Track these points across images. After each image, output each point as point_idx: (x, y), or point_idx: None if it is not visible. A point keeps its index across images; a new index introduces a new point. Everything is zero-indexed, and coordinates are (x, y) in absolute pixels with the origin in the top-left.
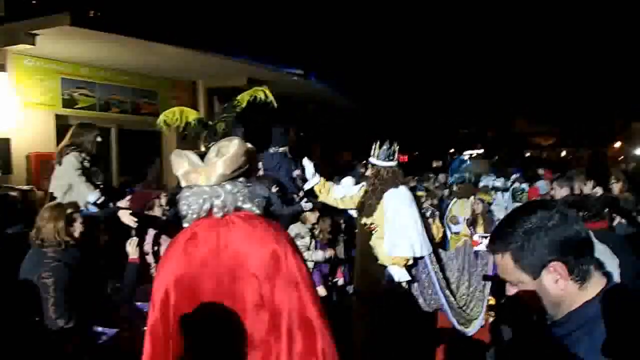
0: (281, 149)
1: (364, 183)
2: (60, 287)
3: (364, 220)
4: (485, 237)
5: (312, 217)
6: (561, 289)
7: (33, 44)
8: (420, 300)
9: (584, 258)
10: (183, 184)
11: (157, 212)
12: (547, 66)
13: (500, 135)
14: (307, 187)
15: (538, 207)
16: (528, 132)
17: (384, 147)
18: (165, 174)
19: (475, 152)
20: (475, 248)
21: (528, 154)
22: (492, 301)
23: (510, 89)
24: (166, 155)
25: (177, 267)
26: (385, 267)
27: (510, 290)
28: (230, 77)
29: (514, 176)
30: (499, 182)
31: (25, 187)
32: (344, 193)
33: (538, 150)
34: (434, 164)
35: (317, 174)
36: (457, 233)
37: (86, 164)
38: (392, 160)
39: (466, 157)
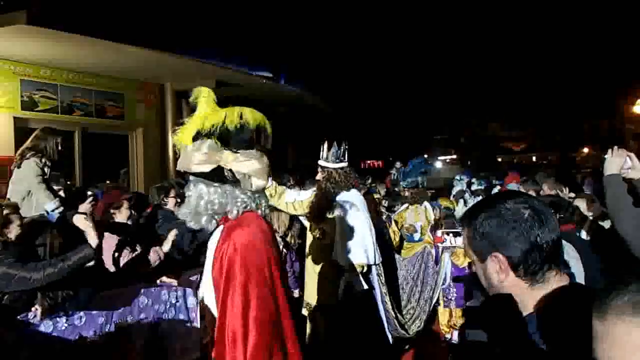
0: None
1: (314, 190)
2: None
3: (315, 225)
4: (449, 234)
5: (285, 222)
6: (500, 281)
7: None
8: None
9: (540, 261)
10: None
11: (123, 215)
12: (520, 68)
13: (473, 139)
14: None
15: (515, 198)
16: (500, 137)
17: (333, 148)
18: (132, 178)
19: (449, 158)
20: (439, 244)
21: (499, 159)
22: (459, 312)
23: (483, 92)
24: (133, 159)
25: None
26: (340, 275)
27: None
28: (199, 79)
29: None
30: (475, 185)
31: None
32: (294, 197)
33: (510, 155)
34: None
35: (270, 177)
36: (418, 241)
37: (46, 169)
38: (342, 161)
39: (418, 161)
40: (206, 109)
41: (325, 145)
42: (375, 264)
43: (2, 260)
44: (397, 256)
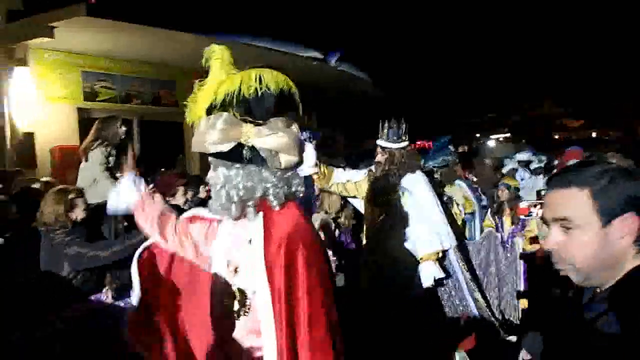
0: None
1: (370, 168)
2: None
3: (373, 211)
4: (536, 205)
5: (336, 204)
6: (622, 247)
7: (52, 37)
8: (447, 308)
9: None
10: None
11: (179, 200)
12: (572, 45)
13: (526, 117)
14: (303, 173)
15: (601, 162)
16: (555, 114)
17: (394, 126)
18: (188, 164)
19: (501, 137)
20: (522, 217)
21: (556, 137)
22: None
23: (535, 70)
24: (188, 146)
25: None
26: (402, 265)
27: (550, 242)
28: (249, 64)
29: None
30: (535, 163)
31: (46, 179)
32: (346, 177)
33: (566, 132)
34: (460, 149)
35: (316, 161)
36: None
37: (111, 158)
38: (404, 140)
39: (445, 140)
40: (219, 74)
41: (386, 124)
42: (451, 248)
43: (73, 240)
44: (465, 241)
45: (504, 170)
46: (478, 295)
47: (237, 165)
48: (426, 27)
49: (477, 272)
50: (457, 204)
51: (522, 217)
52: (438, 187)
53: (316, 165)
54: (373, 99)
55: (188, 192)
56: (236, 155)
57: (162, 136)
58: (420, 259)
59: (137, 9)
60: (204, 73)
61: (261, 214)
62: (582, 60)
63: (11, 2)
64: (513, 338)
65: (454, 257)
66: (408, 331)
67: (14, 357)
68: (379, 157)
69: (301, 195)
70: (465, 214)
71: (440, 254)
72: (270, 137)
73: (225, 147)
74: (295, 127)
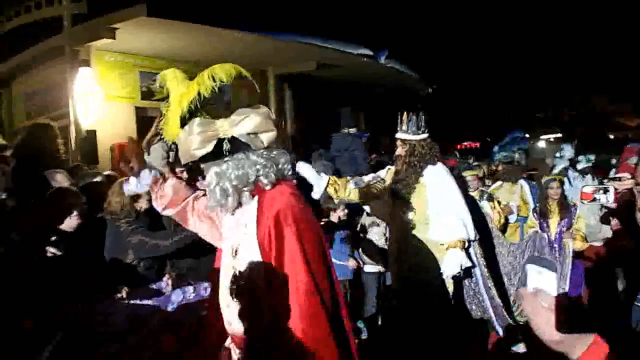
0: (351, 130)
1: (389, 167)
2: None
3: (397, 205)
4: (599, 190)
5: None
6: None
7: (113, 38)
8: (474, 305)
9: None
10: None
11: None
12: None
13: (579, 115)
14: (317, 194)
15: None
16: (610, 112)
17: (413, 118)
18: None
19: (552, 137)
20: (587, 202)
21: (611, 136)
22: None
23: (589, 66)
24: None
25: None
26: (432, 261)
27: None
28: (299, 62)
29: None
30: (582, 163)
31: (109, 172)
32: (370, 179)
33: (623, 131)
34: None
35: (322, 173)
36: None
37: (171, 153)
38: (424, 132)
39: (516, 135)
40: (178, 90)
41: (405, 116)
42: (474, 241)
43: (137, 229)
44: (501, 239)
45: (555, 171)
46: (494, 294)
47: (225, 159)
48: (477, 25)
49: (516, 272)
50: (499, 202)
51: (576, 205)
52: (480, 181)
53: (330, 181)
54: (422, 98)
55: None
56: (221, 150)
57: None
58: (447, 247)
59: (195, 9)
60: (252, 71)
61: (256, 197)
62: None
63: (76, 6)
64: (520, 348)
65: (473, 252)
66: (436, 327)
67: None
68: (399, 150)
69: (290, 173)
70: (518, 216)
71: (466, 244)
72: (244, 122)
73: (209, 147)
74: (263, 107)
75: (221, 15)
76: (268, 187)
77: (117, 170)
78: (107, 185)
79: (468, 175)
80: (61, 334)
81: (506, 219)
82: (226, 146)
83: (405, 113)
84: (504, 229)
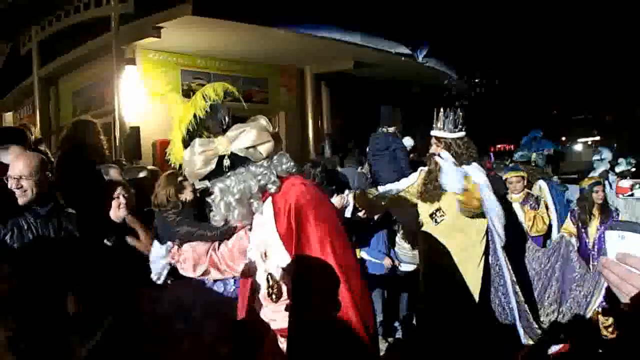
0: (391, 129)
1: (421, 168)
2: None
3: (427, 209)
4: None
5: None
6: None
7: (159, 37)
8: (499, 309)
9: None
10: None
11: None
12: None
13: (620, 119)
14: (347, 213)
15: None
16: None
17: (450, 115)
18: None
19: (590, 140)
20: (623, 197)
21: None
22: (606, 322)
23: (628, 66)
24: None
25: None
26: (459, 264)
27: None
28: (337, 60)
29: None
30: (622, 166)
31: (152, 167)
32: (401, 186)
33: None
34: (546, 152)
35: (346, 190)
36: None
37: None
38: (461, 130)
39: (534, 135)
40: (177, 115)
41: (441, 113)
42: (501, 244)
43: (183, 220)
44: (530, 244)
45: (595, 174)
46: (522, 300)
47: (228, 174)
48: (518, 25)
49: (540, 278)
50: (544, 207)
51: (618, 210)
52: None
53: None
54: (460, 97)
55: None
56: (222, 167)
57: None
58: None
59: (239, 7)
60: (291, 70)
61: (269, 199)
62: None
63: (124, 6)
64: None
65: (501, 256)
66: (465, 332)
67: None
68: (434, 148)
69: (294, 170)
70: None
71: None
72: (240, 137)
73: (212, 165)
74: (262, 120)
75: (263, 13)
76: (273, 190)
77: (160, 166)
78: (151, 180)
79: (512, 176)
80: (111, 318)
81: (550, 226)
82: (226, 162)
83: (441, 109)
84: (546, 234)
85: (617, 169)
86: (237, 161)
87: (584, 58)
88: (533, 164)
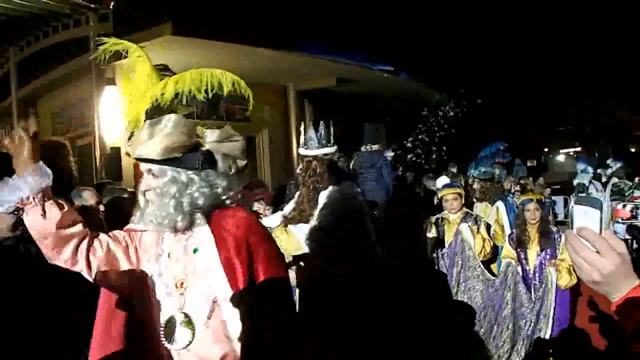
0: (375, 147)
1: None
2: None
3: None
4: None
5: None
6: None
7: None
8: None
9: None
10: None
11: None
12: None
13: (599, 128)
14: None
15: None
16: (632, 123)
17: (318, 129)
18: (260, 176)
19: (572, 150)
20: (623, 221)
21: (632, 150)
22: None
23: (607, 77)
24: (260, 158)
25: None
26: None
27: None
28: (320, 77)
29: (612, 167)
30: (603, 176)
31: (132, 189)
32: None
33: None
34: (528, 164)
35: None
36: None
37: None
38: (329, 145)
39: (496, 148)
40: (150, 72)
41: (303, 127)
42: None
43: None
44: (478, 271)
45: (575, 184)
46: None
47: (191, 171)
48: (496, 40)
49: (499, 310)
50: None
51: (559, 231)
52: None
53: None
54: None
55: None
56: (191, 160)
57: None
58: None
59: (219, 27)
60: (274, 87)
61: (204, 221)
62: None
63: (103, 26)
64: None
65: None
66: None
67: None
68: (299, 169)
69: (238, 198)
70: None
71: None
72: (227, 142)
73: (179, 152)
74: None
75: (244, 32)
76: (228, 209)
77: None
78: (133, 201)
79: (448, 194)
80: None
81: (494, 247)
82: (200, 158)
83: (302, 124)
84: (489, 259)
85: (604, 179)
86: (207, 162)
87: (563, 69)
88: (496, 181)
